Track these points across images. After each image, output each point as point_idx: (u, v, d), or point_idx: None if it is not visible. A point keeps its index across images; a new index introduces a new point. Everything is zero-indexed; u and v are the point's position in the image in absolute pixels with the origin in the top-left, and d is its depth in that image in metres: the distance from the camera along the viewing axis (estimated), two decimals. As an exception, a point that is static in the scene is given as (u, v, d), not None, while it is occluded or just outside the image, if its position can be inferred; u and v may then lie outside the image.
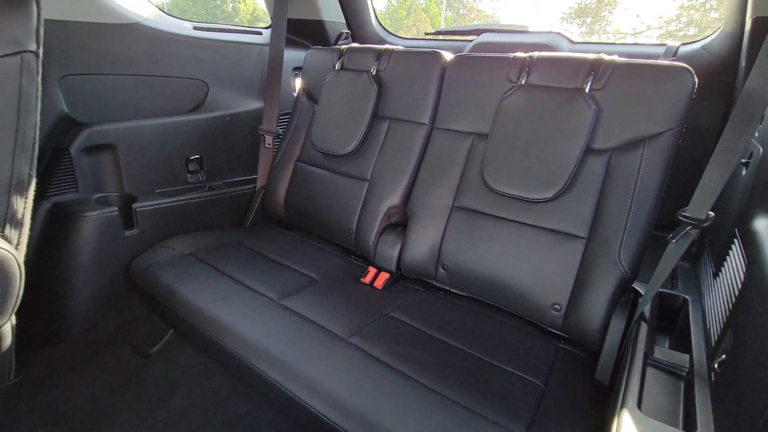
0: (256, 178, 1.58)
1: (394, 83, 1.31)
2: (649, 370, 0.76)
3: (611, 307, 0.90)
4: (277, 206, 1.50)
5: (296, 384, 0.80)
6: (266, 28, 1.69)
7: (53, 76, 1.15)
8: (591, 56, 1.02)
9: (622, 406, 0.64)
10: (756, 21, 1.08)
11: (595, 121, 0.97)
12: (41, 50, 0.63)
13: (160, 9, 1.39)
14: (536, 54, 1.09)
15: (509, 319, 1.06)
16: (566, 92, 1.00)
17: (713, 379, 0.66)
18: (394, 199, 1.25)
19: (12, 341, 0.71)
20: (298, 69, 1.69)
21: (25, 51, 0.60)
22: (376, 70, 1.34)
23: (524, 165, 1.02)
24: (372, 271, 1.22)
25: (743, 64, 1.15)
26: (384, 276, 1.20)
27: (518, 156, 1.03)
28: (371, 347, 0.90)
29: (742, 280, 0.68)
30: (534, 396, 0.81)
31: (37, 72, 0.62)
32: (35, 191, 0.67)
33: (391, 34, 1.86)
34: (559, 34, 1.52)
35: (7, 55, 0.59)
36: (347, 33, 1.74)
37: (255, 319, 0.97)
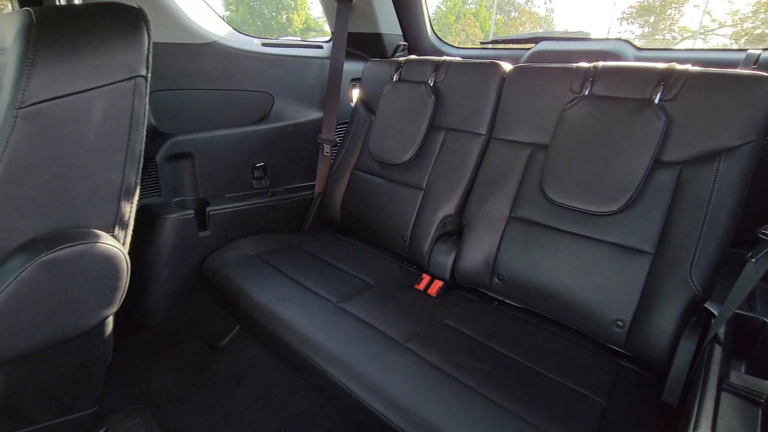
0: (314, 184, 1.66)
1: (452, 94, 1.33)
2: (724, 394, 0.72)
3: (680, 327, 0.86)
4: (333, 212, 1.57)
5: (357, 383, 0.85)
6: (326, 41, 1.78)
7: None
8: (661, 66, 0.99)
9: (695, 430, 0.62)
10: None
11: (665, 132, 0.93)
12: (149, 74, 0.71)
13: (233, 28, 1.51)
14: (601, 64, 1.07)
15: (566, 332, 1.05)
16: (633, 103, 0.98)
17: None
18: (450, 208, 1.27)
19: (113, 328, 0.81)
20: (355, 80, 1.76)
21: (137, 76, 0.69)
22: (434, 81, 1.37)
23: (587, 177, 1.00)
24: (426, 278, 1.25)
25: None
26: (438, 284, 1.22)
27: (580, 167, 1.01)
28: (427, 353, 0.92)
29: None
30: (595, 413, 0.79)
31: (146, 93, 0.71)
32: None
33: (446, 44, 1.89)
34: (623, 40, 1.47)
35: (123, 80, 0.68)
36: (404, 45, 1.79)
37: (316, 320, 1.02)
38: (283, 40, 1.64)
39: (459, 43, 1.90)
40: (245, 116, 1.54)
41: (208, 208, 1.36)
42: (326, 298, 1.12)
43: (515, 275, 1.10)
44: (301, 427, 1.15)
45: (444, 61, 1.37)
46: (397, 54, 1.77)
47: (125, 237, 0.75)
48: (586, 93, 1.06)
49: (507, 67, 1.26)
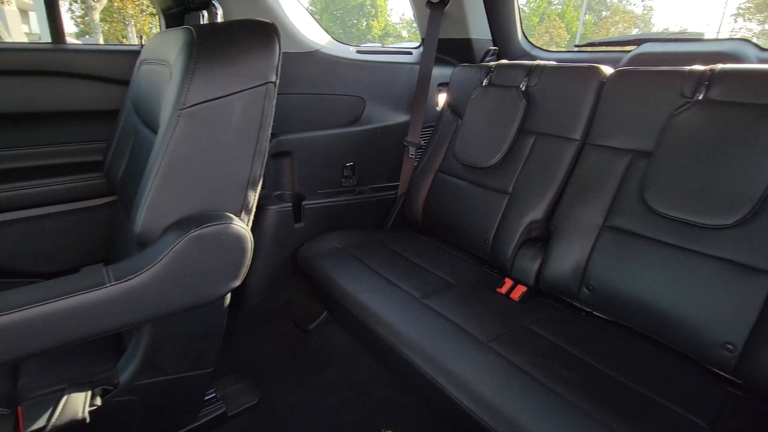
0: (398, 185, 1.73)
1: (545, 98, 1.31)
2: None
3: (806, 357, 0.78)
4: (415, 212, 1.62)
5: (442, 375, 0.88)
6: (415, 47, 1.84)
7: None
8: None
9: None
10: None
11: (798, 141, 0.85)
12: (278, 80, 0.82)
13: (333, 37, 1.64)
14: (719, 66, 1.00)
15: (662, 350, 0.98)
16: (758, 109, 0.90)
17: None
18: (537, 213, 1.25)
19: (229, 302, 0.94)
20: (442, 85, 1.80)
21: (269, 82, 0.80)
22: (526, 86, 1.36)
23: (697, 187, 0.94)
24: (508, 282, 1.24)
25: None
26: (521, 289, 1.21)
27: (690, 177, 0.95)
28: (512, 355, 0.93)
29: None
30: (698, 437, 0.75)
31: (274, 97, 0.82)
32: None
33: (537, 47, 1.85)
34: (744, 40, 1.34)
35: (257, 85, 0.79)
36: (494, 50, 1.79)
37: (401, 312, 1.07)
38: (376, 47, 1.74)
39: (543, 45, 1.85)
40: (339, 119, 1.65)
41: (304, 202, 1.48)
42: (410, 293, 1.17)
43: (607, 286, 1.06)
44: (383, 412, 1.21)
45: (537, 66, 1.36)
46: (486, 59, 1.78)
47: (249, 221, 0.86)
48: (700, 97, 1.00)
49: (608, 70, 1.21)
